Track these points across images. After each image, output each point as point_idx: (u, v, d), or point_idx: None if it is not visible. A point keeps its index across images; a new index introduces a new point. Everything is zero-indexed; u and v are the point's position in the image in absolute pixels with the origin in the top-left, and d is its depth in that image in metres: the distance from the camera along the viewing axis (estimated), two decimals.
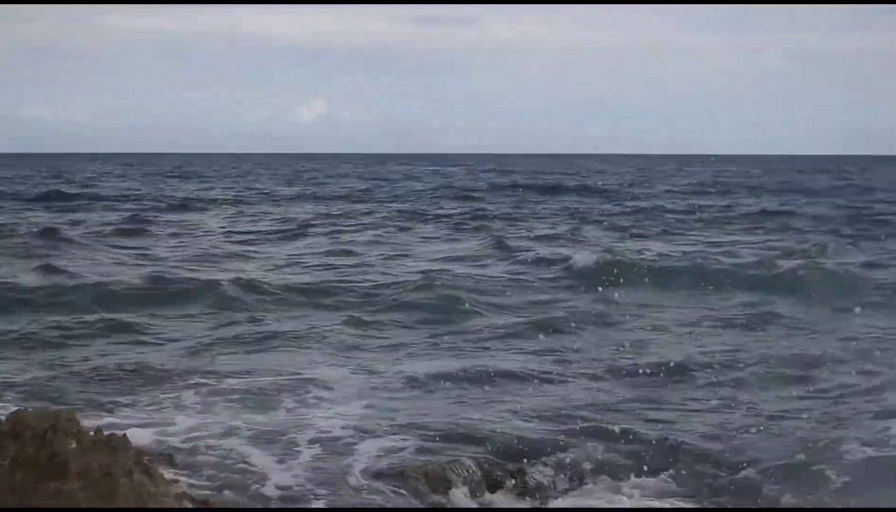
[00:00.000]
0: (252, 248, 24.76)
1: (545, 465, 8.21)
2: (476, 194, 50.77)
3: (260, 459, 8.05)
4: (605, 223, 33.37)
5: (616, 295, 17.07)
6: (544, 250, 23.25)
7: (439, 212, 37.82)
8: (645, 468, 8.22)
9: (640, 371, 11.60)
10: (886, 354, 12.58)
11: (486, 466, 8.01)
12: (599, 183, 66.05)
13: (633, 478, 8.05)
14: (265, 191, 54.33)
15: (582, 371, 11.72)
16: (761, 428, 9.57)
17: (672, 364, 11.96)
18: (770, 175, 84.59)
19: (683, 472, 8.21)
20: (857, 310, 15.65)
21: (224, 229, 30.28)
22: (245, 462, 7.94)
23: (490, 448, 8.45)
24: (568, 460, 8.32)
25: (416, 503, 7.34)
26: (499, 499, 7.62)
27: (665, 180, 72.72)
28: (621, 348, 13.04)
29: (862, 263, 21.32)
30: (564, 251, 22.45)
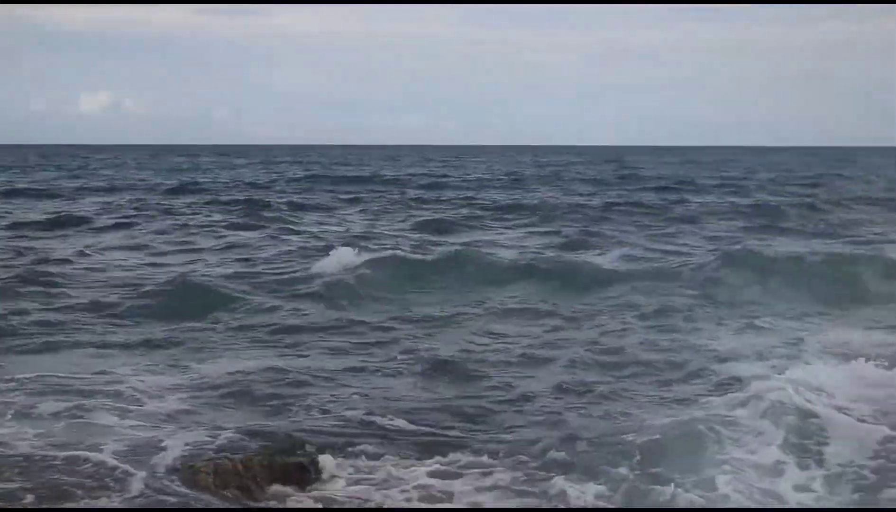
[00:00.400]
0: (33, 243, 23.79)
1: (337, 455, 8.32)
2: (268, 185, 50.38)
3: (57, 458, 7.87)
4: (388, 214, 33.66)
5: (392, 288, 17.39)
6: (324, 242, 23.31)
7: (225, 203, 37.17)
8: (441, 452, 8.49)
9: (421, 362, 11.86)
10: (650, 335, 13.52)
11: (279, 458, 8.04)
12: (392, 173, 66.52)
13: (427, 459, 8.30)
14: (46, 182, 52.34)
15: (369, 364, 11.90)
16: (560, 406, 10.02)
17: (453, 353, 12.34)
18: (561, 166, 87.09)
19: (486, 451, 8.49)
20: (623, 295, 16.59)
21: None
22: (42, 463, 7.76)
23: (285, 441, 8.53)
24: (359, 449, 8.53)
25: (210, 500, 7.30)
26: (289, 490, 7.67)
27: (456, 171, 73.81)
28: (400, 341, 13.26)
29: (624, 255, 21.81)
30: (340, 243, 22.32)
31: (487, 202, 39.42)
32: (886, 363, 10.57)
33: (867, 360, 10.58)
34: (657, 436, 8.51)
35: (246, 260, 21.05)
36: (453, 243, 23.81)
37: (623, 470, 7.83)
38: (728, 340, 12.95)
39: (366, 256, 19.69)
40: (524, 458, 8.31)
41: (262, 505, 7.42)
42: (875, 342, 12.65)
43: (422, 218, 31.40)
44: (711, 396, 10.00)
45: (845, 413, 9.04)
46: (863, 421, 8.85)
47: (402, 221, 30.82)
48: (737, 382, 10.47)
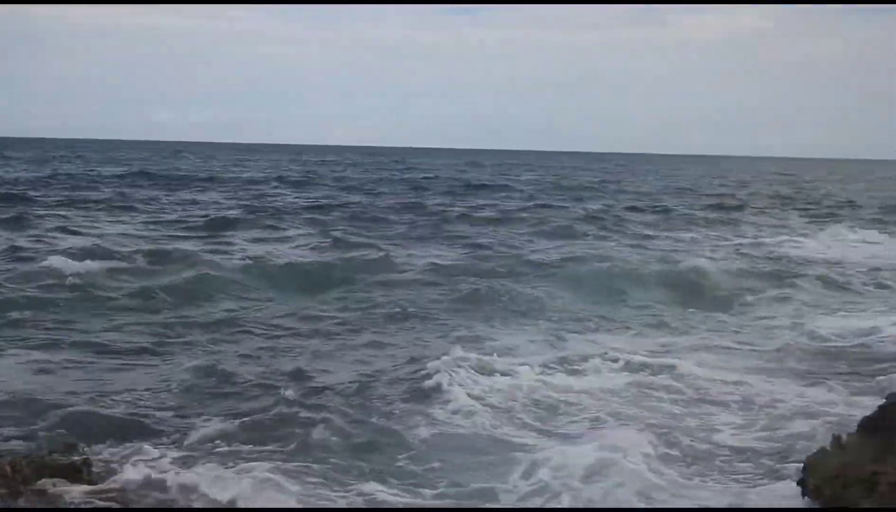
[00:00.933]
0: None
1: (110, 454, 8.50)
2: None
3: None
4: (140, 214, 32.68)
5: (144, 292, 17.13)
6: (67, 243, 22.78)
7: None
8: (212, 449, 8.83)
9: (181, 364, 11.96)
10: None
11: (50, 459, 8.03)
12: (165, 170, 65.34)
13: (193, 453, 8.70)
14: None
15: (133, 364, 12.11)
16: (317, 393, 10.62)
17: (215, 355, 12.60)
18: (329, 166, 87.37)
19: (262, 449, 8.83)
20: (366, 295, 17.14)
21: None
22: None
23: (57, 442, 8.62)
24: (132, 447, 8.72)
25: None
26: (59, 490, 7.64)
27: (229, 170, 72.77)
28: (167, 344, 13.28)
29: (379, 256, 22.04)
30: (80, 246, 21.91)
31: (272, 203, 38.74)
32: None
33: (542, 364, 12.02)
34: (426, 433, 9.27)
35: None
36: (209, 244, 23.83)
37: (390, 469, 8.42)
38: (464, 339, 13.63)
39: (109, 263, 19.39)
40: (304, 457, 8.62)
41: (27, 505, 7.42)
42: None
43: (184, 221, 30.59)
44: (449, 396, 10.50)
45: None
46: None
47: (155, 221, 30.10)
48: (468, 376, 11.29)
